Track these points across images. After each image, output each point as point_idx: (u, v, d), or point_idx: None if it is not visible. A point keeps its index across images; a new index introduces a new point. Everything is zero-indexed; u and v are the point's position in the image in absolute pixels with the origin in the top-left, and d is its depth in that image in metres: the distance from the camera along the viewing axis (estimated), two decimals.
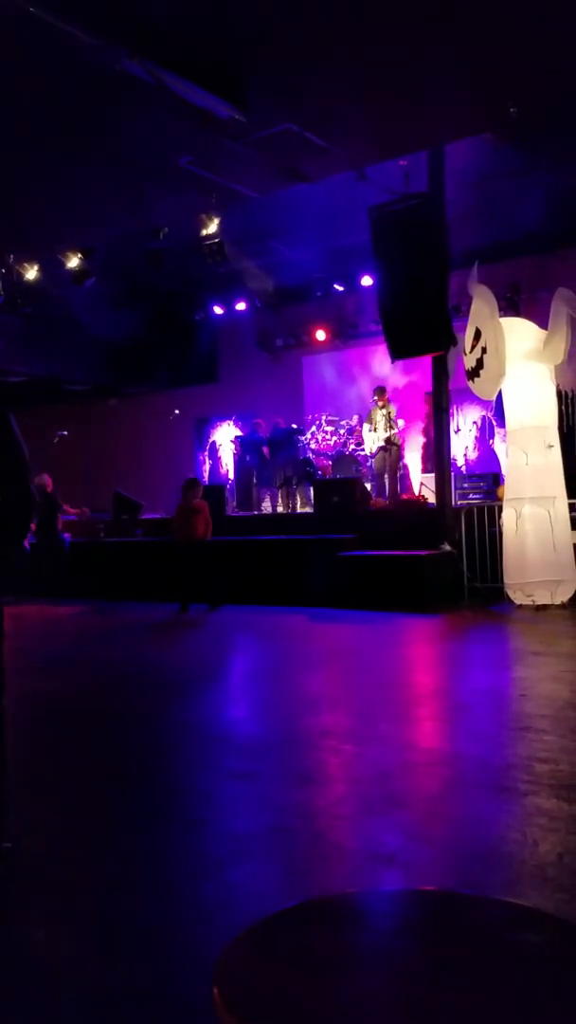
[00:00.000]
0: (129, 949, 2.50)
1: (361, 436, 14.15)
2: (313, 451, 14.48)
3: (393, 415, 12.60)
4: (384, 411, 12.48)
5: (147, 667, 7.20)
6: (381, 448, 12.42)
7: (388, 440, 12.33)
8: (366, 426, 12.95)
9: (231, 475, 16.86)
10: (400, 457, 12.86)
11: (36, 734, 5.13)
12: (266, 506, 14.88)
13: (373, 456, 12.73)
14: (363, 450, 13.97)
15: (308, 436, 14.61)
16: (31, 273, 13.11)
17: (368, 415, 12.93)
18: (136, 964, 2.41)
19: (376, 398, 12.75)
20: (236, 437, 16.41)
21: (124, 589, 12.09)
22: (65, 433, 17.00)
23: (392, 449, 12.41)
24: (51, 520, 12.61)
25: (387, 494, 12.46)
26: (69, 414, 19.22)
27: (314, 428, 14.81)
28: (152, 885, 2.91)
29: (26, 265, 13.06)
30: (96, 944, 2.55)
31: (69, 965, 2.42)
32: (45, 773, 4.28)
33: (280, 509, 14.17)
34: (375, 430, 12.53)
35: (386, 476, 12.53)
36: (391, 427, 12.39)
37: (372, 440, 12.63)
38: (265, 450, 14.63)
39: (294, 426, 14.85)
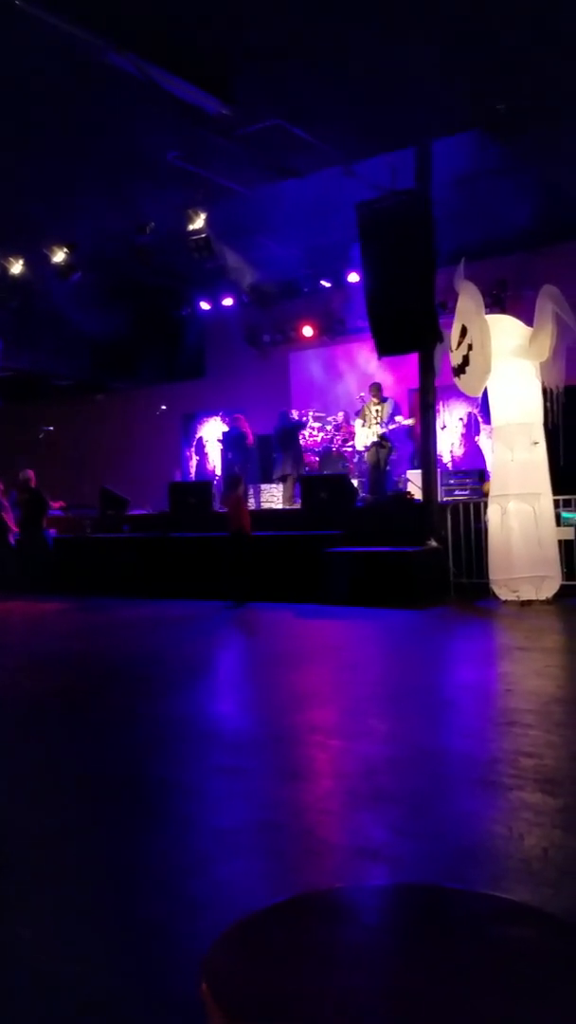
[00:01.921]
0: (117, 945, 2.51)
1: (347, 433, 14.16)
2: (301, 447, 14.47)
3: (388, 413, 12.57)
4: (378, 408, 12.49)
5: (133, 663, 7.19)
6: (374, 444, 12.44)
7: (381, 437, 12.35)
8: (358, 421, 12.95)
9: (218, 471, 16.84)
10: (390, 453, 12.86)
11: (21, 731, 5.11)
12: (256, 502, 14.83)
13: (366, 450, 12.73)
14: (349, 447, 13.98)
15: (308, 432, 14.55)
16: (16, 267, 13.04)
17: (360, 411, 12.92)
18: (124, 960, 2.41)
19: (371, 394, 12.73)
20: (223, 434, 16.38)
21: (110, 585, 12.06)
22: (51, 428, 16.93)
23: (385, 446, 12.43)
24: (36, 516, 12.55)
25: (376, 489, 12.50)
26: (55, 409, 19.13)
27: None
28: (140, 881, 2.91)
29: (11, 259, 12.99)
30: (83, 941, 2.55)
31: (56, 963, 2.42)
32: (31, 770, 4.27)
33: (276, 505, 14.03)
34: (368, 426, 12.53)
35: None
36: (383, 423, 12.40)
37: (365, 435, 12.64)
38: (249, 441, 14.60)
39: (307, 415, 14.79)
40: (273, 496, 14.31)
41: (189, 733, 4.82)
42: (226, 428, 15.57)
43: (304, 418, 14.77)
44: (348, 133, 9.09)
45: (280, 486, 13.97)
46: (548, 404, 9.11)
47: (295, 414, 14.91)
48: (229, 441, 15.05)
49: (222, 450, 15.71)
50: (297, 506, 12.70)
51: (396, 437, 13.09)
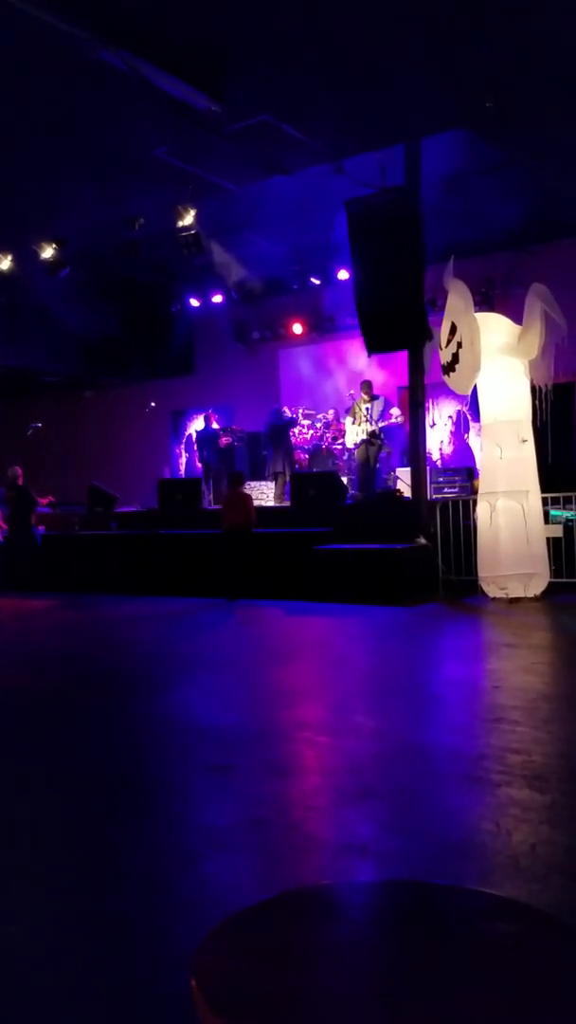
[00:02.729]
0: (106, 943, 2.51)
1: (337, 430, 14.16)
2: (292, 444, 14.45)
3: (379, 410, 12.57)
4: (368, 405, 12.50)
5: (121, 661, 7.18)
6: (364, 441, 12.46)
7: (372, 434, 12.36)
8: (348, 419, 12.96)
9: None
10: (380, 450, 12.86)
11: (9, 729, 5.10)
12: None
13: (356, 447, 12.73)
14: (339, 444, 13.98)
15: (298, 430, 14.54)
16: (5, 263, 12.97)
17: (350, 408, 12.93)
18: (114, 957, 2.41)
19: (362, 392, 12.74)
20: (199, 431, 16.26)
21: (98, 582, 12.03)
22: (39, 425, 16.86)
23: (375, 443, 12.44)
24: (24, 513, 12.51)
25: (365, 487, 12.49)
26: (43, 406, 19.06)
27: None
28: (129, 879, 2.91)
29: None
30: (73, 938, 2.55)
31: (46, 960, 2.42)
32: (19, 768, 4.26)
33: (266, 502, 14.01)
34: (358, 423, 12.53)
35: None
36: (373, 421, 12.40)
37: (355, 433, 12.64)
38: (222, 442, 14.59)
39: (298, 411, 14.78)
40: (262, 493, 14.31)
41: (178, 730, 4.82)
42: (216, 425, 15.59)
43: (294, 415, 14.77)
44: (337, 130, 9.07)
45: (271, 483, 13.98)
46: (537, 402, 9.15)
47: (300, 413, 14.89)
48: (202, 440, 15.09)
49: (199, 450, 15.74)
50: (287, 503, 12.70)
51: (390, 433, 13.10)
